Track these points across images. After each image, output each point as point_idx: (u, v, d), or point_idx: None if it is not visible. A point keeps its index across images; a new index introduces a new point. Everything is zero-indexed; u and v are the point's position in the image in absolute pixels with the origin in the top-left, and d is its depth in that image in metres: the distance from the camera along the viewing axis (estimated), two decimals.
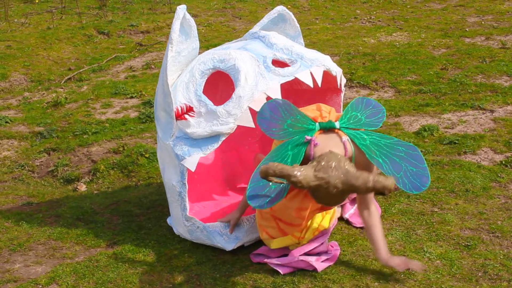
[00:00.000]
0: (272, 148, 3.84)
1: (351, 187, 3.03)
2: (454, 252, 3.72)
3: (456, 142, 5.29)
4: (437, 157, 5.03)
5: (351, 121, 3.54)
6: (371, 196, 3.53)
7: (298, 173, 3.00)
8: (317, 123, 3.49)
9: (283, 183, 3.24)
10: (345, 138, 3.41)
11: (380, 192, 3.01)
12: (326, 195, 3.09)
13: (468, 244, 3.80)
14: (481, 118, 5.76)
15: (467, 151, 5.12)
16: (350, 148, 3.39)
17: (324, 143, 3.39)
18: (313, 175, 3.03)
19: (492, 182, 4.60)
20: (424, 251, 3.75)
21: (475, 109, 5.97)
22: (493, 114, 5.82)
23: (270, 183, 3.30)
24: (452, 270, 3.55)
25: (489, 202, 4.30)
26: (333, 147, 3.34)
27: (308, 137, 3.38)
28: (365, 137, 3.43)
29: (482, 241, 3.83)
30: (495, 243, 3.81)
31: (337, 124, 3.47)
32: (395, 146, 3.40)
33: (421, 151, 5.10)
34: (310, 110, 3.70)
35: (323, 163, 3.06)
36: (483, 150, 5.12)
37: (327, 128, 3.47)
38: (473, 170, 4.77)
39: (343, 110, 4.01)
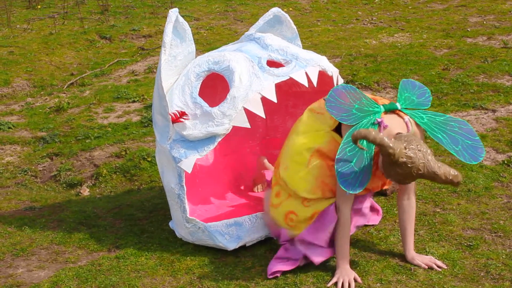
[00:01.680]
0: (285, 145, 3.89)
1: (431, 174, 3.23)
2: (456, 252, 3.72)
3: None
4: (439, 157, 5.02)
5: (407, 103, 3.67)
6: (412, 185, 3.68)
7: (394, 146, 3.18)
8: (381, 106, 3.60)
9: (366, 150, 3.43)
10: (406, 118, 3.55)
11: (453, 184, 3.26)
12: (404, 173, 3.25)
13: (471, 244, 3.80)
14: (483, 118, 5.75)
15: None
16: (411, 128, 3.53)
17: (389, 124, 3.51)
18: (403, 152, 3.21)
19: (494, 181, 4.59)
20: (426, 251, 3.74)
21: (477, 109, 5.96)
22: (495, 113, 5.82)
23: (354, 167, 3.41)
24: (455, 270, 3.55)
25: (491, 202, 4.30)
26: (398, 128, 3.50)
27: (379, 119, 3.50)
28: (423, 116, 3.60)
29: (485, 241, 3.83)
30: (497, 243, 3.81)
31: (398, 105, 3.60)
32: (449, 122, 3.58)
33: None
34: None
35: (413, 145, 3.24)
36: (485, 150, 5.10)
37: (390, 110, 3.59)
38: (475, 170, 4.76)
39: None
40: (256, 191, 4.62)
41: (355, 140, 3.28)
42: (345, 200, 3.55)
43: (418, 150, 3.23)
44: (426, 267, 3.57)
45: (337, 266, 3.56)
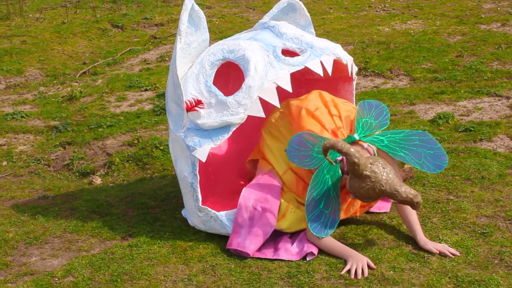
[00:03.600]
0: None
1: (393, 192, 3.37)
2: (470, 240, 3.70)
3: (472, 129, 5.25)
4: (453, 145, 5.00)
5: (365, 129, 3.81)
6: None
7: (359, 156, 3.35)
8: None
9: (334, 164, 3.62)
10: (365, 144, 3.70)
11: (412, 204, 3.40)
12: (367, 189, 3.40)
13: (484, 231, 3.78)
14: (497, 105, 5.71)
15: (482, 138, 5.08)
16: (373, 150, 3.68)
17: None
18: (368, 166, 3.37)
19: (508, 169, 4.56)
20: (439, 239, 3.72)
21: (491, 96, 5.92)
22: (509, 100, 5.77)
23: (324, 210, 3.63)
24: (468, 258, 3.53)
25: (505, 189, 4.27)
26: None
27: (339, 158, 3.66)
28: (382, 138, 3.74)
29: (498, 229, 3.80)
30: (511, 230, 3.78)
31: (356, 136, 3.74)
32: (409, 137, 3.70)
33: (437, 139, 5.08)
34: (323, 115, 3.88)
35: (378, 162, 3.41)
36: (499, 137, 5.07)
37: (349, 143, 3.70)
38: (489, 157, 4.73)
39: (355, 103, 4.38)
40: None
41: (324, 151, 3.46)
42: None
43: (383, 167, 3.39)
44: (438, 252, 3.56)
45: (347, 259, 3.57)
